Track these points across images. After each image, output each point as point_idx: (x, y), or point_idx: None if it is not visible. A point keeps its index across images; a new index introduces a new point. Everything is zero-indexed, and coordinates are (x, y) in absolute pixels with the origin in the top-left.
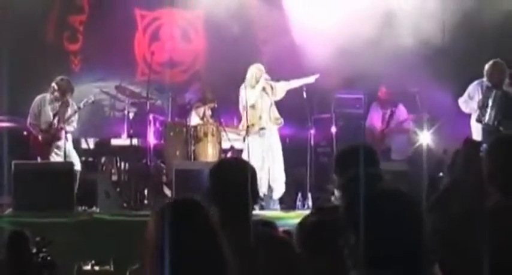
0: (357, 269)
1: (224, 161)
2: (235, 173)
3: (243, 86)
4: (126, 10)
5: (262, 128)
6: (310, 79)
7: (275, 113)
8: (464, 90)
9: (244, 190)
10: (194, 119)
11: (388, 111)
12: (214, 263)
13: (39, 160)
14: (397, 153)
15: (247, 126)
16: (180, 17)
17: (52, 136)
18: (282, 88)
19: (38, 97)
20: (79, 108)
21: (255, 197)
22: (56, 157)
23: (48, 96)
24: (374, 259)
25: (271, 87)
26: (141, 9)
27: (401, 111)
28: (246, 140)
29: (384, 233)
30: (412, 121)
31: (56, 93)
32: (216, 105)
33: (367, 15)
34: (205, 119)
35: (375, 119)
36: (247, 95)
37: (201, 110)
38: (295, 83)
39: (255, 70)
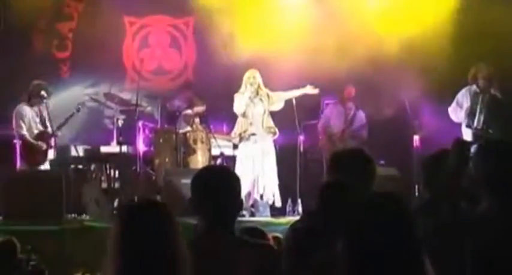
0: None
1: (206, 169)
2: (216, 181)
3: (236, 93)
4: (114, 17)
5: (253, 134)
6: (313, 91)
7: (269, 121)
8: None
9: (226, 198)
10: (183, 126)
11: (352, 112)
12: (166, 264)
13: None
14: None
15: (240, 133)
16: (169, 23)
17: (47, 144)
18: (279, 98)
19: (20, 107)
20: (72, 114)
21: (238, 205)
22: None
23: (25, 105)
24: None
25: (268, 96)
26: (130, 16)
27: (361, 116)
28: (238, 147)
29: (377, 240)
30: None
31: (34, 99)
32: (205, 113)
33: (359, 20)
34: (194, 126)
35: (336, 118)
36: (237, 102)
37: (190, 117)
38: (293, 93)
39: (246, 76)
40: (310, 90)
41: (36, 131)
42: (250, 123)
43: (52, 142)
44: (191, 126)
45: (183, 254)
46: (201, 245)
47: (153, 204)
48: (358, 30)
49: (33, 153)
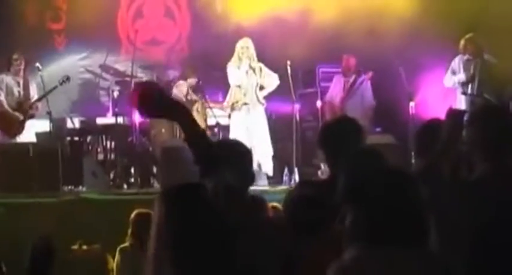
0: (355, 244)
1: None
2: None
3: (230, 63)
4: None
5: (246, 104)
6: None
7: (259, 93)
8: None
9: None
10: (178, 97)
11: (351, 79)
12: (219, 244)
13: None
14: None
15: (232, 103)
16: None
17: (25, 115)
18: (269, 79)
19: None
20: (55, 87)
21: (252, 178)
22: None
23: (4, 74)
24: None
25: (260, 70)
26: None
27: (363, 82)
28: (231, 116)
29: (388, 209)
30: (370, 79)
31: (16, 67)
32: (200, 82)
33: None
34: (188, 96)
35: (336, 90)
36: (232, 74)
37: (183, 87)
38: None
39: (239, 47)
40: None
41: (14, 102)
42: (244, 94)
43: (32, 113)
44: (185, 96)
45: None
46: None
47: (195, 188)
48: None
49: (8, 123)
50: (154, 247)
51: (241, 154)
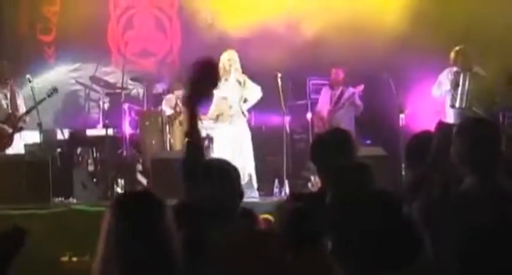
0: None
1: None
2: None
3: None
4: (99, 0)
5: (231, 116)
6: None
7: (242, 106)
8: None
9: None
10: (166, 109)
11: (338, 92)
12: (162, 259)
13: None
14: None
15: (217, 115)
16: (154, 5)
17: (13, 128)
18: (252, 91)
19: None
20: (43, 99)
21: (240, 195)
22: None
23: None
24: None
25: (244, 82)
26: None
27: (350, 91)
28: (214, 127)
29: (365, 234)
30: (359, 95)
31: (3, 79)
32: None
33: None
34: (177, 108)
35: (323, 102)
36: (219, 86)
37: (172, 99)
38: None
39: (224, 60)
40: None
41: (2, 114)
42: (230, 106)
43: (21, 126)
44: (175, 108)
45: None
46: None
47: (146, 196)
48: (344, 10)
49: None
50: (102, 253)
51: (229, 172)
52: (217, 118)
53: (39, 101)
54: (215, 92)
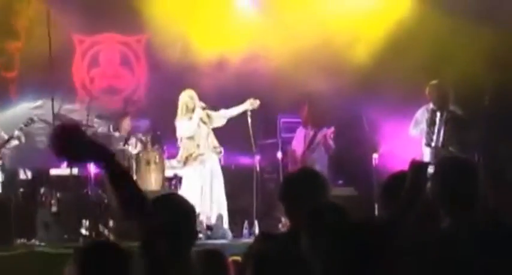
0: None
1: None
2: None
3: (178, 117)
4: (63, 35)
5: (201, 154)
6: (250, 106)
7: (214, 141)
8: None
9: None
10: (131, 148)
11: (311, 133)
12: None
13: None
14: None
15: (186, 157)
16: (120, 41)
17: None
18: (220, 117)
19: None
20: (11, 137)
21: (193, 236)
22: None
23: None
24: None
25: (208, 116)
26: (79, 34)
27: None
28: (185, 170)
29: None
30: (331, 137)
31: None
32: (158, 133)
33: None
34: (148, 147)
35: (298, 141)
36: (184, 127)
37: (139, 139)
38: (235, 111)
39: (186, 99)
40: (250, 105)
41: None
42: (198, 145)
43: None
44: (143, 147)
45: None
46: None
47: (110, 247)
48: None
49: None
50: None
51: (183, 213)
52: (186, 160)
53: (7, 139)
54: (181, 134)
